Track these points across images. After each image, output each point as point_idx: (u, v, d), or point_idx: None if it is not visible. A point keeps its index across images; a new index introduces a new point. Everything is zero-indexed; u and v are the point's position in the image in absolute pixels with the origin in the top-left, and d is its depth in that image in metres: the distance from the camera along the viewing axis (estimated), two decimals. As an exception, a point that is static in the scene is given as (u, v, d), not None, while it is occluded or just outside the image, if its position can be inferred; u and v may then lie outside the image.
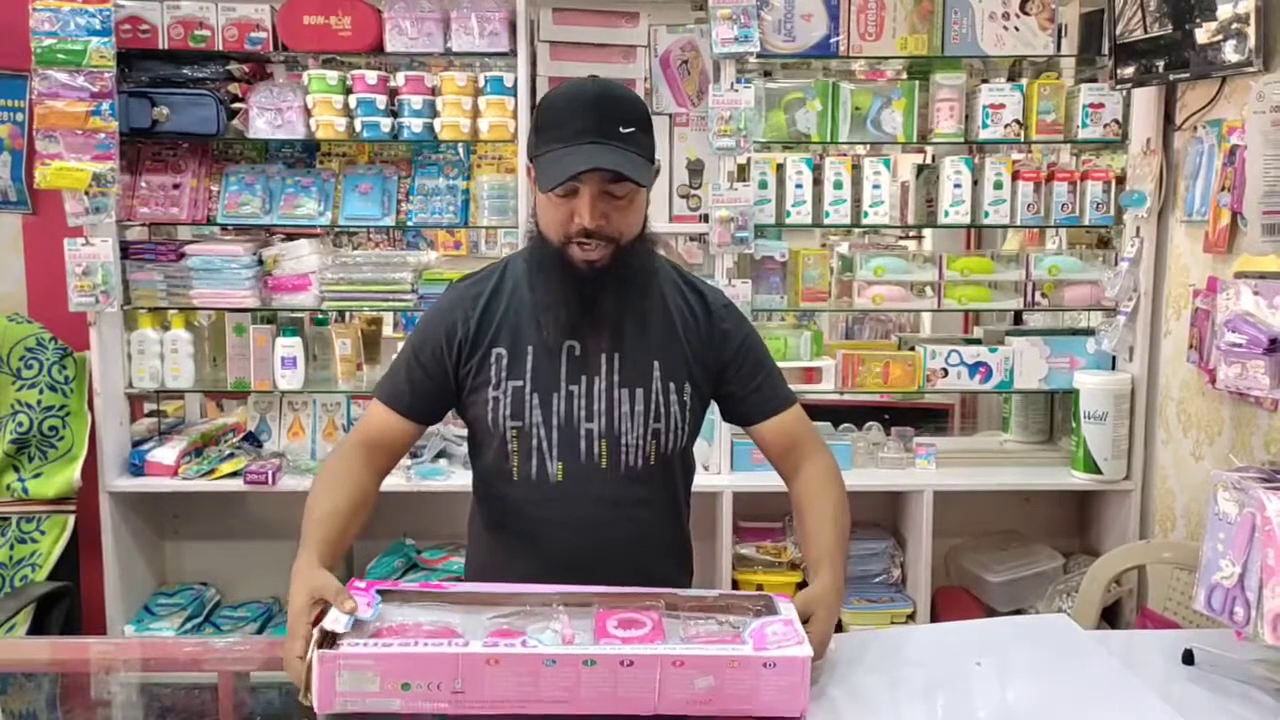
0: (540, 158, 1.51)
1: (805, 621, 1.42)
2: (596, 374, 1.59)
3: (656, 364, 1.61)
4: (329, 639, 1.28)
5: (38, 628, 2.41)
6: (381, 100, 2.84)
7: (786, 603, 1.43)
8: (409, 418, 1.63)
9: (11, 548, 2.74)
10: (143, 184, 2.92)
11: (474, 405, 1.62)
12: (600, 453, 1.60)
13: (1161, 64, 2.54)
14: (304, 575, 1.37)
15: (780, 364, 2.87)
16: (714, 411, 1.77)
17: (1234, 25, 2.27)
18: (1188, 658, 1.55)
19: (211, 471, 2.84)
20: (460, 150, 3.02)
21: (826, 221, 2.96)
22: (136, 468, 2.87)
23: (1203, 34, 2.37)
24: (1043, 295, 3.01)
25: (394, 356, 1.73)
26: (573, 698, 1.26)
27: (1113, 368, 2.93)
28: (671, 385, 1.61)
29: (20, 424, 2.76)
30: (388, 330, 3.50)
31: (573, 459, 1.60)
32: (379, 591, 1.40)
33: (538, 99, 2.90)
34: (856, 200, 2.95)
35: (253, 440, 3.03)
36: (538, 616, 1.40)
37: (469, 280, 1.68)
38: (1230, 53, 2.29)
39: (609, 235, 1.51)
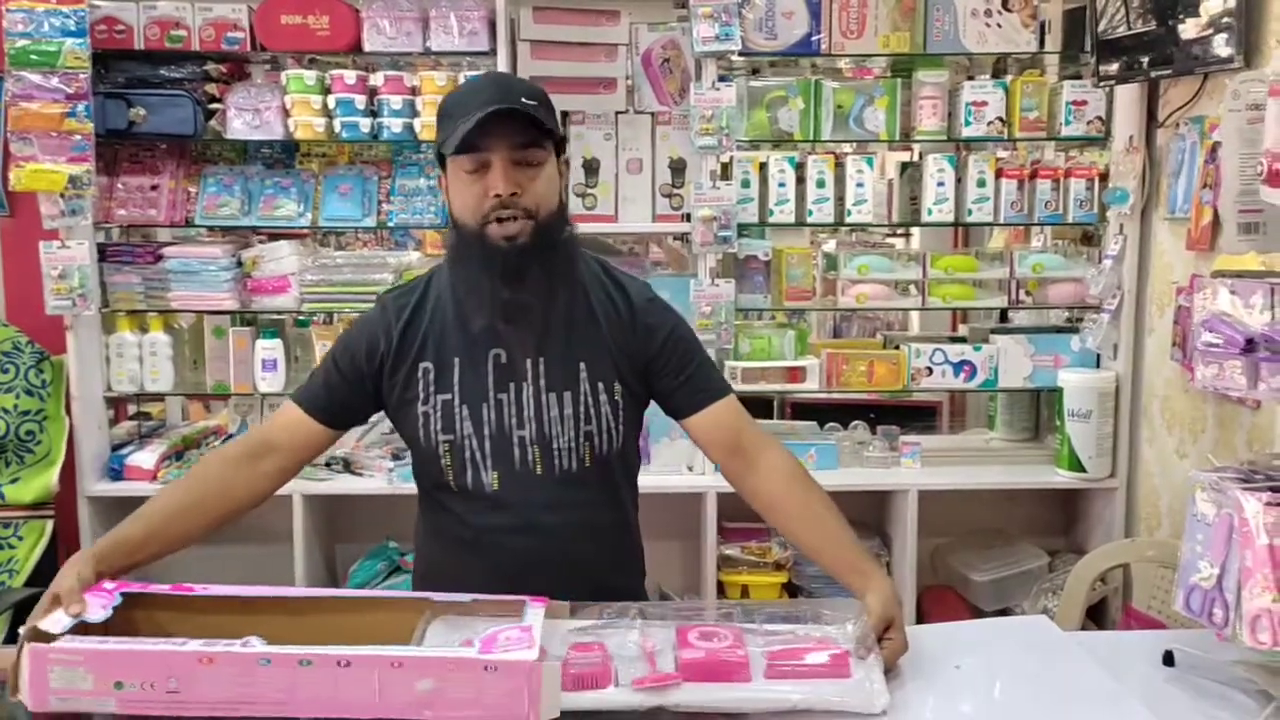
0: (446, 142, 1.51)
1: (888, 627, 1.43)
2: (524, 380, 1.58)
3: (583, 365, 1.60)
4: (44, 637, 1.28)
5: (15, 635, 2.39)
6: (361, 100, 2.82)
7: (537, 607, 1.39)
8: (319, 420, 1.62)
9: (-11, 554, 2.73)
10: (120, 186, 2.90)
11: (405, 421, 1.62)
12: (534, 459, 1.59)
13: (1145, 60, 2.53)
14: (62, 569, 1.42)
15: (764, 363, 2.92)
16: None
17: (1217, 22, 2.27)
18: (1168, 659, 1.55)
19: (191, 475, 2.82)
20: (441, 150, 3.00)
21: (810, 220, 2.95)
22: (116, 472, 2.85)
23: (1186, 30, 2.36)
24: (1027, 293, 3.00)
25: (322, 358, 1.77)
26: (291, 699, 1.25)
27: (1097, 365, 2.93)
28: (600, 385, 1.60)
29: (-3, 428, 2.74)
30: (371, 331, 3.48)
31: (507, 467, 1.59)
32: (123, 594, 1.40)
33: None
34: (840, 198, 2.94)
35: (233, 443, 3.01)
36: (618, 628, 1.40)
37: (396, 292, 1.68)
38: (1213, 49, 2.29)
39: (525, 207, 1.50)
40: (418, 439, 1.60)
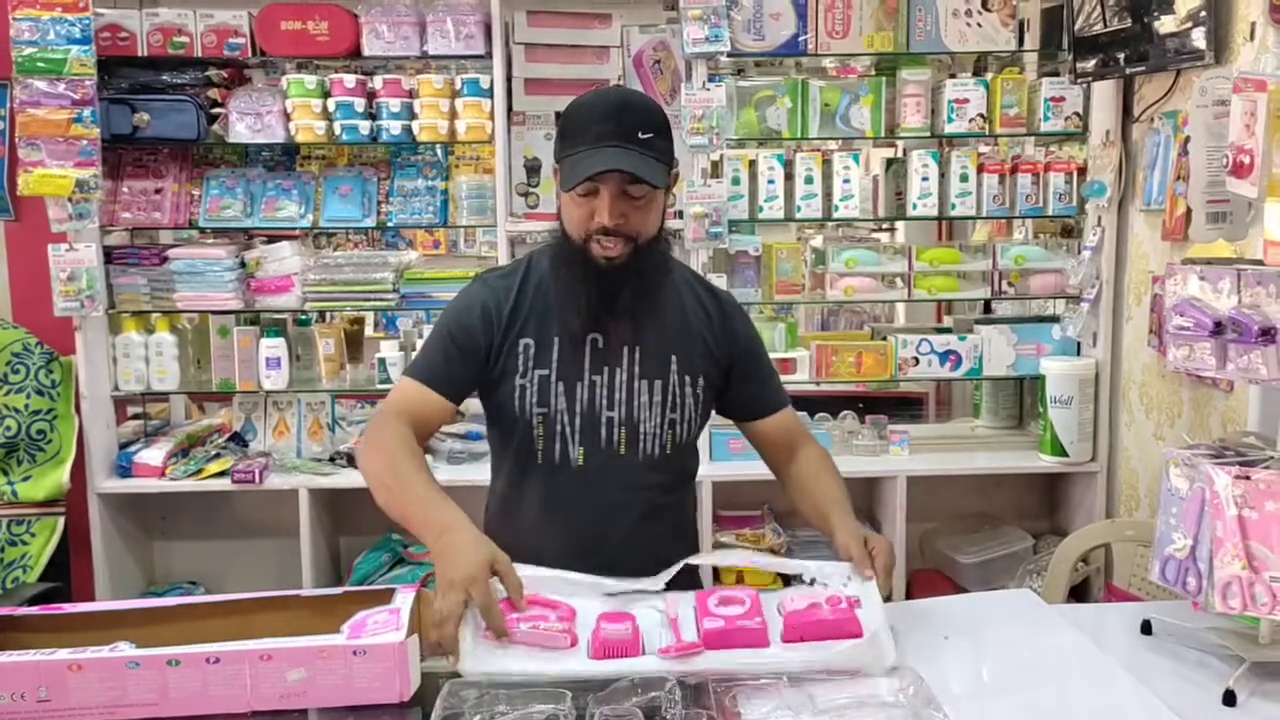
0: (564, 159, 1.60)
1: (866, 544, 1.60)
2: (618, 365, 1.68)
3: (674, 358, 1.70)
4: None
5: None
6: (360, 103, 2.88)
7: (406, 592, 1.43)
8: (440, 393, 1.66)
9: (2, 550, 2.77)
10: (124, 189, 2.95)
11: (499, 391, 1.69)
12: (620, 440, 1.68)
13: (1121, 57, 2.61)
14: (476, 539, 1.44)
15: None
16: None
17: (1189, 19, 2.35)
18: (1146, 628, 1.63)
19: (199, 472, 2.88)
20: (438, 151, 3.06)
21: (798, 216, 3.03)
22: (124, 469, 2.91)
23: (1160, 27, 2.45)
24: (1009, 284, 3.08)
25: (426, 338, 1.75)
26: (163, 700, 1.27)
27: (1078, 353, 3.02)
28: (687, 378, 1.71)
29: (8, 428, 2.79)
30: (369, 330, 3.54)
31: (593, 445, 1.68)
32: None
33: (514, 100, 2.96)
34: (828, 194, 3.02)
35: (238, 440, 3.07)
36: (644, 597, 1.48)
37: (496, 273, 1.77)
38: (1185, 46, 2.37)
39: (627, 234, 1.60)
40: (512, 410, 1.68)
